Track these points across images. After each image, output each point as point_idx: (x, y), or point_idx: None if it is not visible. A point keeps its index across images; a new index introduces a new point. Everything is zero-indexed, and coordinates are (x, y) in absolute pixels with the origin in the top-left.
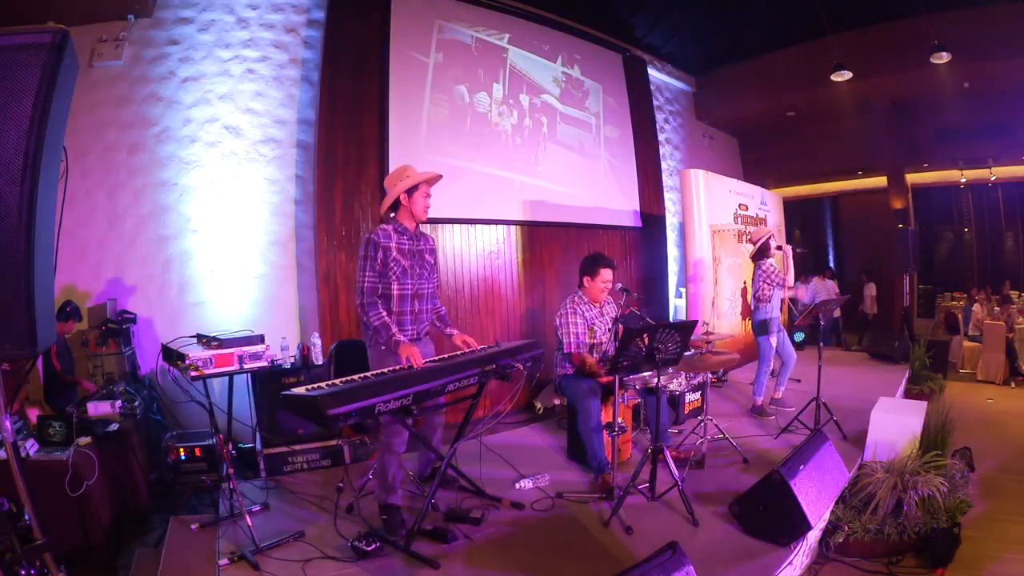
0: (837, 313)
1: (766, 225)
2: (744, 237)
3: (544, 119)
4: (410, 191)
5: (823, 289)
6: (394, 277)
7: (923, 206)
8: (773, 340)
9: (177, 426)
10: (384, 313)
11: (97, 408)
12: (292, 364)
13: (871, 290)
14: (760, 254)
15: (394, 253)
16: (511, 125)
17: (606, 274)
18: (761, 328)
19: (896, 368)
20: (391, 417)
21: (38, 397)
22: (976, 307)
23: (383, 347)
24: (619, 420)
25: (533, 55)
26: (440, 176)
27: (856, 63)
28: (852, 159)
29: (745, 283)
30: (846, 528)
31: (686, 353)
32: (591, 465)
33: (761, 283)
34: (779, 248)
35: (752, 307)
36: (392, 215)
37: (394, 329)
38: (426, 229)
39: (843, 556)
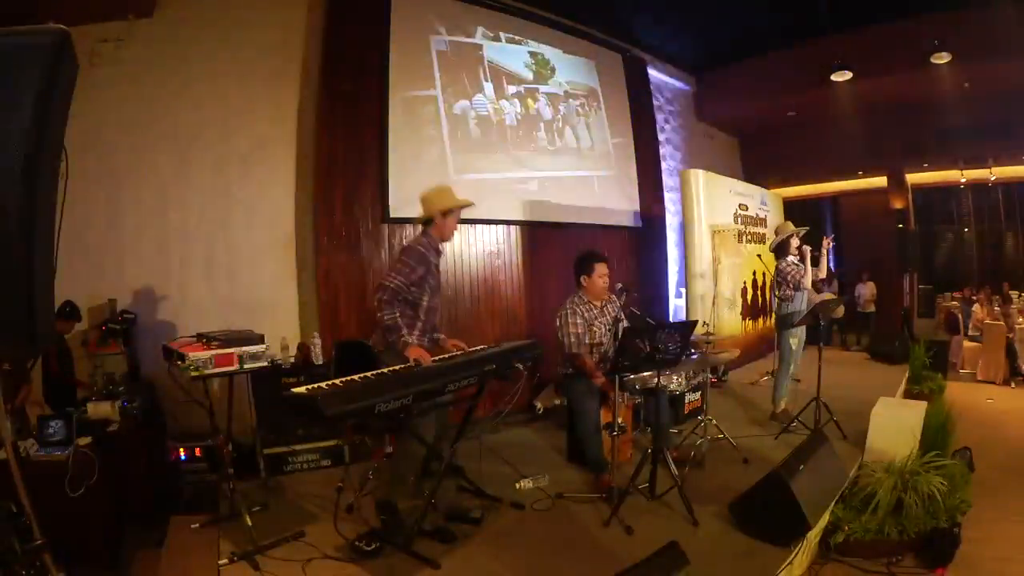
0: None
1: (766, 225)
2: (744, 237)
3: (547, 116)
4: (445, 213)
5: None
6: (428, 289)
7: (923, 206)
8: (794, 341)
9: (177, 426)
10: (397, 314)
11: (97, 408)
12: (292, 364)
13: (870, 289)
14: (780, 251)
15: (432, 269)
16: (512, 125)
17: (601, 268)
18: (784, 322)
19: (896, 368)
20: (411, 421)
21: (38, 397)
22: (976, 307)
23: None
24: (619, 420)
25: (537, 52)
26: (472, 204)
27: (856, 63)
28: (852, 159)
29: (745, 283)
30: (846, 528)
31: (686, 353)
32: (591, 465)
33: (782, 283)
34: (799, 249)
35: (775, 305)
36: (425, 229)
37: (404, 331)
38: None
39: (843, 556)
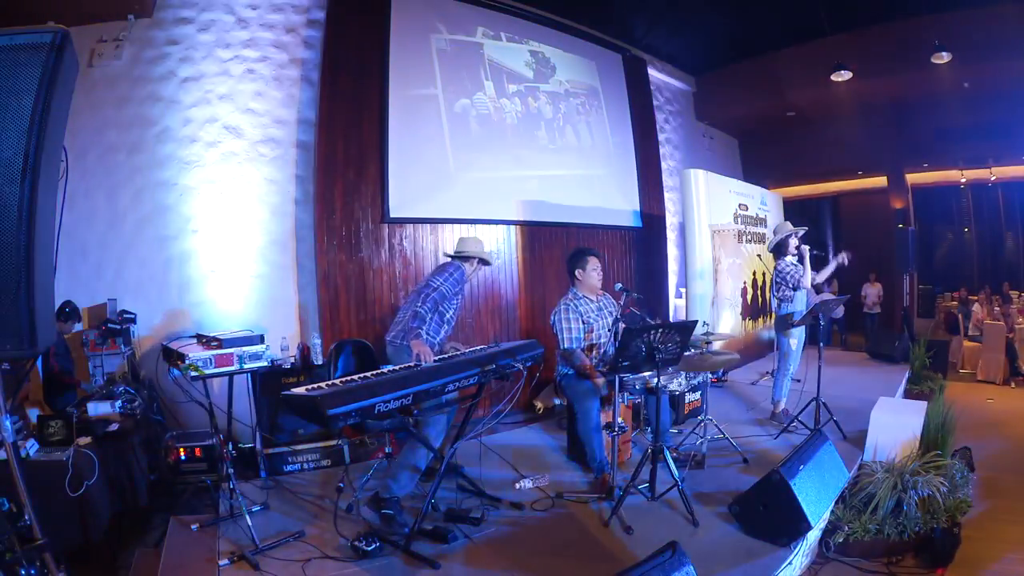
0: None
1: (766, 225)
2: (744, 237)
3: (548, 115)
4: (480, 261)
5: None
6: (457, 306)
7: (923, 206)
8: (794, 342)
9: (177, 426)
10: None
11: (97, 408)
12: (292, 364)
13: (878, 290)
14: (778, 250)
15: (463, 290)
16: (513, 123)
17: (594, 261)
18: (782, 323)
19: (896, 368)
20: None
21: (38, 397)
22: (976, 307)
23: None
24: (619, 420)
25: (538, 51)
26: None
27: (856, 63)
28: (852, 159)
29: (745, 283)
30: (846, 528)
31: (686, 353)
32: (591, 465)
33: (781, 284)
34: (798, 249)
35: (775, 305)
36: (460, 262)
37: (425, 327)
38: (427, 229)
39: (843, 556)
